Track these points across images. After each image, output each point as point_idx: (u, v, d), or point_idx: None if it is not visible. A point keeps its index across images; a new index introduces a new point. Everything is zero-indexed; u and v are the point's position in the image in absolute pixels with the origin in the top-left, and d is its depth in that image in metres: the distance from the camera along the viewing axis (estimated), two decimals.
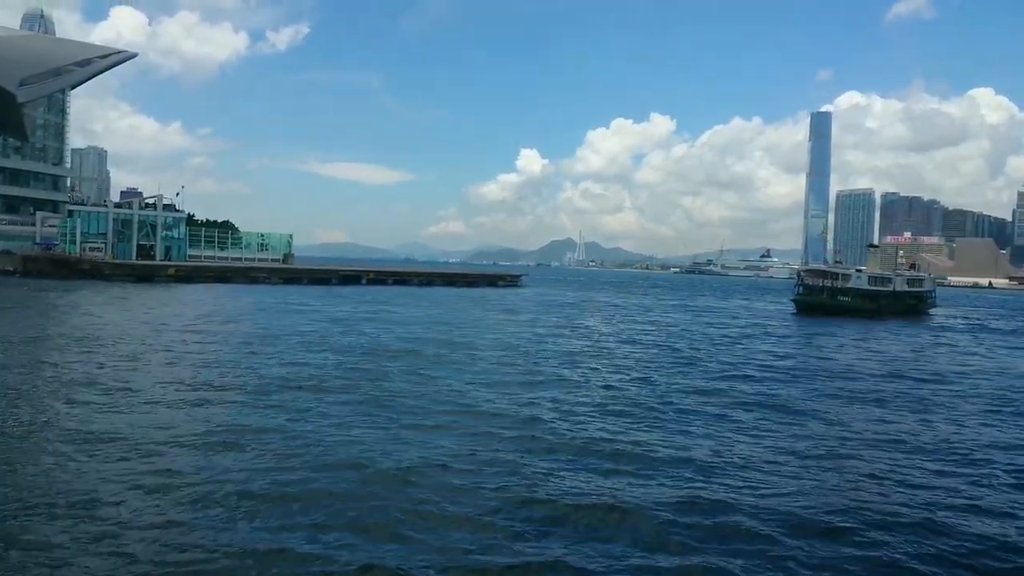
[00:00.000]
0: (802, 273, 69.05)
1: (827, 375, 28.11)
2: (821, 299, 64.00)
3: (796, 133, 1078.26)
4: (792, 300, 67.88)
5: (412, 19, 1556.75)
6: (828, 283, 64.55)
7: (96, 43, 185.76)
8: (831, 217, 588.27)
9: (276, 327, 36.96)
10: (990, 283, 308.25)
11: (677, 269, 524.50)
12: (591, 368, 27.40)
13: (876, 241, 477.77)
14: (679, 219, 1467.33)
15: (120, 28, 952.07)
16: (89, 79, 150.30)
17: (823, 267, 67.79)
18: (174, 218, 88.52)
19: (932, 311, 74.60)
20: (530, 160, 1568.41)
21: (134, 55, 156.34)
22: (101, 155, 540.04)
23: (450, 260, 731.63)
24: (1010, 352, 41.78)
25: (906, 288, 70.43)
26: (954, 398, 23.86)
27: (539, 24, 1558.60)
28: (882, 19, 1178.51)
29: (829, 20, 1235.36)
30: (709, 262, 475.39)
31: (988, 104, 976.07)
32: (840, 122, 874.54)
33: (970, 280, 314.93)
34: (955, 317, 73.83)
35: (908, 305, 69.54)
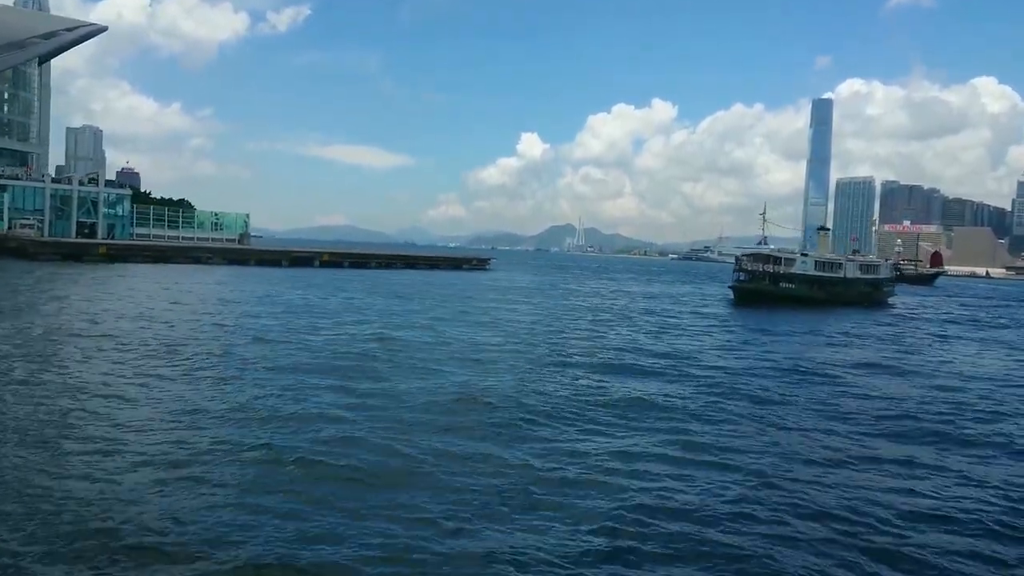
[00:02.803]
0: (742, 258, 63.67)
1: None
2: (762, 286, 59.26)
3: (797, 120, 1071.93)
4: (730, 287, 62.98)
5: (413, 1, 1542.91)
6: (770, 268, 59.74)
7: (61, 15, 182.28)
8: (831, 205, 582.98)
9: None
10: (987, 272, 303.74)
11: (675, 256, 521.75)
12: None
13: (875, 229, 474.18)
14: (679, 205, 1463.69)
15: (120, 8, 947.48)
16: (56, 52, 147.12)
17: (765, 251, 62.25)
18: (117, 195, 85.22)
19: (892, 300, 70.56)
20: (530, 144, 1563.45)
21: (104, 28, 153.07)
22: (97, 134, 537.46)
23: (450, 244, 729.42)
24: (961, 347, 37.62)
25: (859, 275, 65.91)
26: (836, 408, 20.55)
27: (541, 8, 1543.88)
28: (884, 6, 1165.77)
29: (833, 7, 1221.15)
30: (707, 248, 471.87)
31: (990, 93, 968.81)
32: (841, 110, 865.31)
33: (967, 269, 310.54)
34: (918, 307, 69.81)
35: (861, 293, 64.93)
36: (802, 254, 63.28)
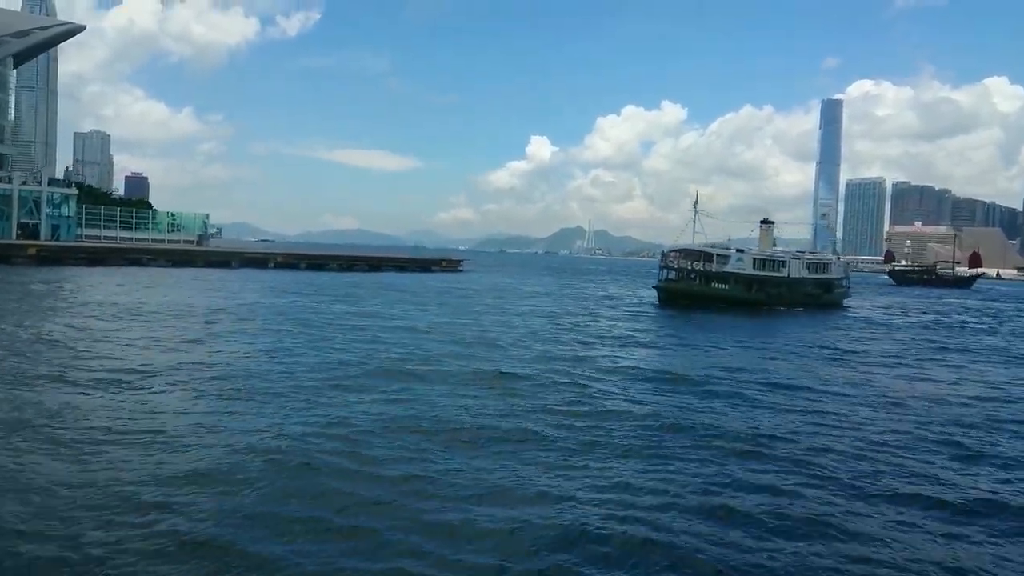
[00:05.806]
0: (670, 254, 57.84)
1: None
2: (692, 286, 54.06)
3: (806, 121, 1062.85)
4: (654, 287, 57.60)
5: (422, 5, 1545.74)
6: (701, 266, 54.41)
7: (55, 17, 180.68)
8: (841, 206, 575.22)
9: None
10: (998, 273, 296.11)
11: None
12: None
13: (887, 230, 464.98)
14: (688, 207, 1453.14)
15: (132, 13, 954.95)
16: (33, 52, 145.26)
17: (695, 247, 56.21)
18: (63, 194, 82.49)
19: (847, 302, 64.99)
20: (540, 147, 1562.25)
21: (81, 28, 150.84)
22: (105, 139, 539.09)
23: (459, 247, 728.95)
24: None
25: (805, 274, 59.94)
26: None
27: (550, 10, 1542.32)
28: (893, 6, 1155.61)
29: (842, 7, 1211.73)
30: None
31: (1002, 93, 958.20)
32: (851, 110, 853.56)
33: (978, 271, 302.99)
34: (877, 309, 64.45)
35: (808, 295, 59.08)
36: (737, 250, 57.11)
